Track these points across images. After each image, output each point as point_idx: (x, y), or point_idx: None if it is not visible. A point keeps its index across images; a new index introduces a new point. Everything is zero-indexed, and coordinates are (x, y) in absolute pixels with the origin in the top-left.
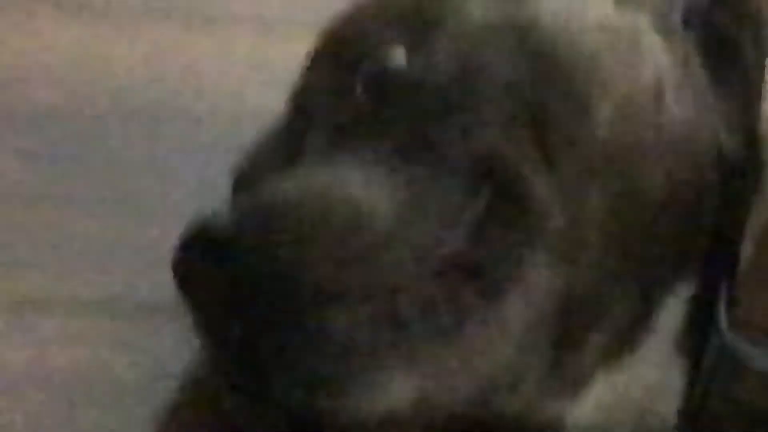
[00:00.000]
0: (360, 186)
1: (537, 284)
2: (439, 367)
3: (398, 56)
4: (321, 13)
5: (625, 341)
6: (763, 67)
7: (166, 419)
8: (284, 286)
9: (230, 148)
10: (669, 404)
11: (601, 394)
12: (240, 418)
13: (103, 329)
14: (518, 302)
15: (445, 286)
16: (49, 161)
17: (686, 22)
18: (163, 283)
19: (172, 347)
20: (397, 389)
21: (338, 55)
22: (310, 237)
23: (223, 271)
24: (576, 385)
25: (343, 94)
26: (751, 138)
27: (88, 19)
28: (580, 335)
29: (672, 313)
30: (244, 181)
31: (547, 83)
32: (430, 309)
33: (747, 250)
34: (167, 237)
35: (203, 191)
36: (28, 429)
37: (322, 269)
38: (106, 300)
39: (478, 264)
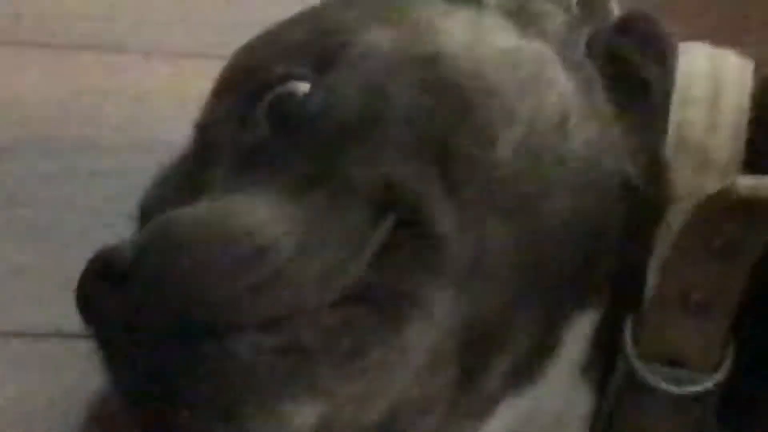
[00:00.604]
0: (261, 215)
1: (439, 311)
2: (342, 394)
3: (300, 87)
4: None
5: (530, 366)
6: (668, 94)
7: None
8: (184, 316)
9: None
10: (575, 430)
11: (508, 418)
12: None
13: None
14: (420, 329)
15: (347, 314)
16: None
17: (590, 51)
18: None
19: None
20: (300, 417)
21: (241, 86)
22: (210, 266)
23: (123, 300)
24: (482, 409)
25: (246, 125)
26: (655, 167)
27: None
28: (484, 360)
29: (577, 339)
30: (149, 211)
31: (449, 113)
32: (331, 337)
33: (652, 278)
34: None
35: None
36: None
37: (222, 299)
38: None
39: (380, 292)
